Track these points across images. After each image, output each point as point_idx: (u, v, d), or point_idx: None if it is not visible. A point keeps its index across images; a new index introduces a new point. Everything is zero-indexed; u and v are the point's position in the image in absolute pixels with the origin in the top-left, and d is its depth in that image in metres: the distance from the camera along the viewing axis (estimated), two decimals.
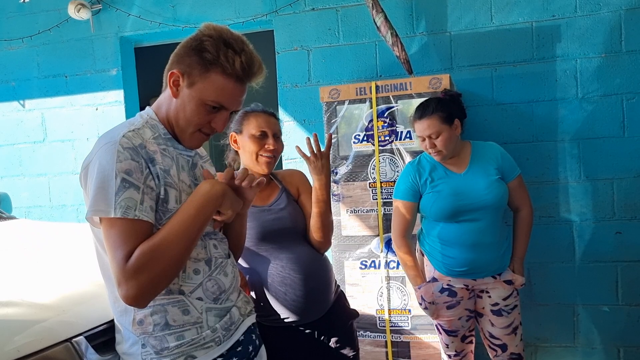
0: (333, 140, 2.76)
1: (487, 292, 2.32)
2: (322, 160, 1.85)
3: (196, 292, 1.29)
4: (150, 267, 1.14)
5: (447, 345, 2.41)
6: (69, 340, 1.33)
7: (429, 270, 2.36)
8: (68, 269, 1.78)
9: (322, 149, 1.88)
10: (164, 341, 1.25)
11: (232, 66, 1.24)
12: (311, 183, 1.98)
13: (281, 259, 1.85)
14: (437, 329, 2.42)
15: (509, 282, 2.31)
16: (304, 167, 1.97)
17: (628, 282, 2.85)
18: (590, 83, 2.85)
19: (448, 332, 2.37)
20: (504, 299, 2.31)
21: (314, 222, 1.90)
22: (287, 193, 1.97)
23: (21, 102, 3.74)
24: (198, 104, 1.26)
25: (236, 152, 1.99)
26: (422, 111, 2.28)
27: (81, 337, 1.36)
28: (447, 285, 2.30)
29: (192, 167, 1.36)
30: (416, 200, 2.33)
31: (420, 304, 2.37)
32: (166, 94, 1.32)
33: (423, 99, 2.43)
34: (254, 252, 1.87)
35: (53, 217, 3.70)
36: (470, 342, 2.43)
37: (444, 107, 2.26)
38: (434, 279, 2.33)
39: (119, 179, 1.16)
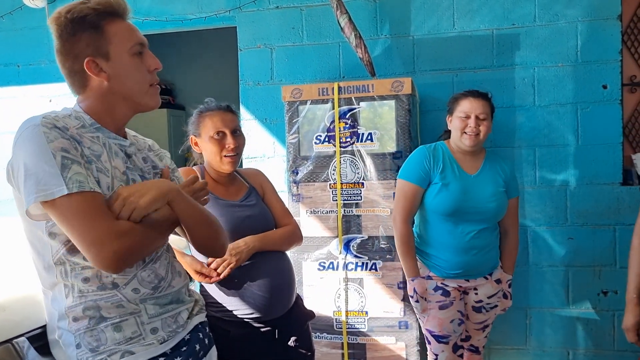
0: (294, 141, 2.75)
1: (475, 289, 2.33)
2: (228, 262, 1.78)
3: (131, 284, 1.22)
4: (138, 234, 1.14)
5: (436, 356, 2.32)
6: (9, 341, 1.26)
7: (424, 270, 2.33)
8: (10, 267, 1.70)
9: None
10: (101, 336, 1.19)
11: (109, 6, 1.21)
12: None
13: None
14: (426, 337, 2.35)
15: (497, 281, 2.35)
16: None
17: (578, 286, 2.93)
18: (547, 91, 2.91)
19: (438, 339, 2.29)
20: (489, 297, 2.34)
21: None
22: (255, 191, 1.99)
23: None
24: (128, 60, 1.23)
25: (200, 153, 1.97)
26: (477, 92, 2.29)
27: (23, 337, 1.28)
28: (441, 284, 2.29)
29: (127, 155, 1.29)
30: (424, 186, 2.25)
31: (412, 297, 2.30)
32: (87, 88, 1.26)
33: (385, 102, 2.46)
34: None
35: (1, 212, 3.54)
36: (462, 355, 2.39)
37: (492, 103, 2.32)
38: (429, 277, 2.30)
39: (58, 158, 1.08)
